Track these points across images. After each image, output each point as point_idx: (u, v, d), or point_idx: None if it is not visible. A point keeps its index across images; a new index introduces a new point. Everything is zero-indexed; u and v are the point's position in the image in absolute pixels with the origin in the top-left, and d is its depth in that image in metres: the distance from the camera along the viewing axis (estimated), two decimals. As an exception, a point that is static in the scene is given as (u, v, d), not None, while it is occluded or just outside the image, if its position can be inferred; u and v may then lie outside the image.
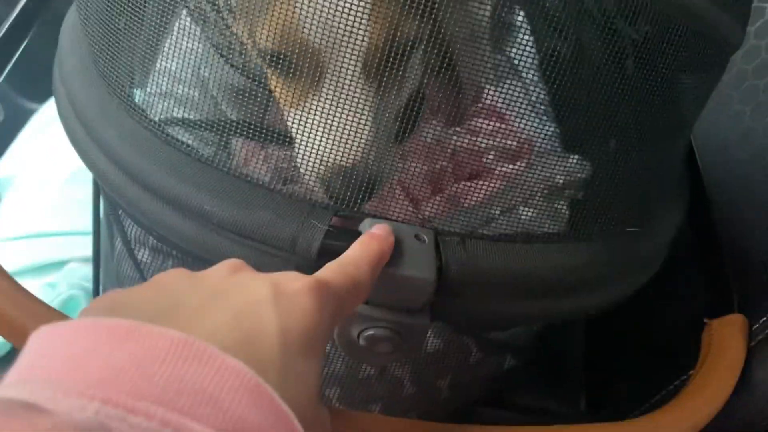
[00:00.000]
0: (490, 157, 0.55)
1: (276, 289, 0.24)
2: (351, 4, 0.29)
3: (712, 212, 0.44)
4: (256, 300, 0.24)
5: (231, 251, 0.33)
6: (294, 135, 0.35)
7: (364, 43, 0.31)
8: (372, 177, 0.34)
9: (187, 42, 0.46)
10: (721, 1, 0.33)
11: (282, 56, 0.33)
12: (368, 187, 0.34)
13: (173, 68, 0.46)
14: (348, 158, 0.33)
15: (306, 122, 0.33)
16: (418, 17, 0.31)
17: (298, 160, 0.36)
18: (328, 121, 0.32)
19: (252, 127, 0.40)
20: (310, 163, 0.34)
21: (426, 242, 0.33)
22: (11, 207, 0.71)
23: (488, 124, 0.55)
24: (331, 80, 0.32)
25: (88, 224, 0.54)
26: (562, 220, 0.43)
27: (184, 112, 0.49)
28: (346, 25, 0.30)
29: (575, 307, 0.36)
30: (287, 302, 0.24)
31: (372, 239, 0.30)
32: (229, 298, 0.24)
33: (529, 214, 0.42)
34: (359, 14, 0.30)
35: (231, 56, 0.45)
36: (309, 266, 0.33)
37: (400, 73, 0.33)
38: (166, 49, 0.46)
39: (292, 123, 0.35)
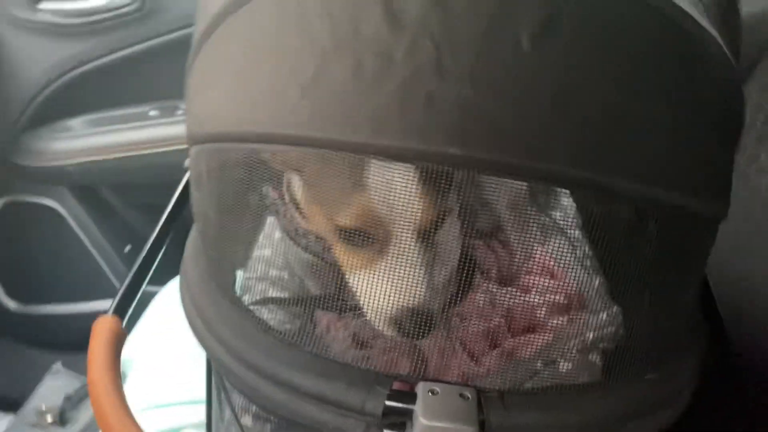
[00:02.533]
0: (543, 311, 0.62)
1: None
2: (406, 194, 0.41)
3: (732, 343, 0.48)
4: None
5: (316, 415, 0.42)
6: (360, 292, 0.46)
7: (418, 219, 0.43)
8: (429, 314, 0.45)
9: (276, 233, 0.58)
10: (689, 190, 0.41)
11: (358, 231, 0.46)
12: (427, 322, 0.45)
13: (267, 255, 0.58)
14: (412, 302, 0.44)
15: (374, 280, 0.45)
16: (453, 195, 0.43)
17: (367, 311, 0.47)
18: (394, 277, 0.44)
19: (329, 299, 0.51)
20: (380, 311, 0.46)
21: (470, 399, 0.40)
22: (135, 384, 0.83)
23: (541, 281, 0.63)
24: (395, 247, 0.44)
25: (201, 394, 0.64)
26: (597, 371, 0.49)
27: (276, 291, 0.60)
28: (405, 207, 0.42)
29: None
30: None
31: None
32: None
33: (567, 366, 0.49)
34: (413, 200, 0.42)
35: (298, 239, 0.57)
36: (377, 424, 0.41)
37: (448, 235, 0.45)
38: (260, 240, 0.58)
39: (358, 283, 0.47)
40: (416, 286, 0.44)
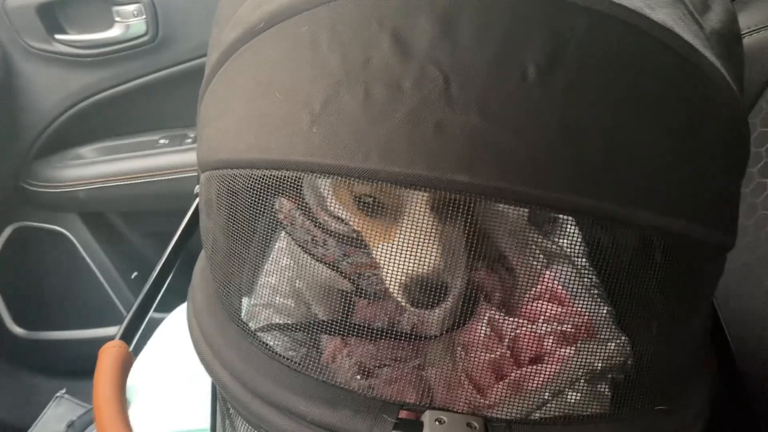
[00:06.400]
0: (550, 341, 0.61)
1: None
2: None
3: (742, 375, 0.48)
4: None
5: (321, 443, 0.41)
6: (381, 261, 0.47)
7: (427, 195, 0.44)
8: (441, 284, 0.46)
9: (285, 260, 0.58)
10: (699, 219, 0.41)
11: (373, 198, 0.47)
12: (439, 292, 0.46)
13: (273, 282, 0.58)
14: (422, 269, 0.45)
15: (391, 249, 0.45)
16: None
17: (385, 279, 0.48)
18: (408, 246, 0.45)
19: (337, 323, 0.51)
20: (395, 279, 0.46)
21: (477, 429, 0.40)
22: (140, 410, 0.82)
23: (548, 308, 0.62)
24: (408, 216, 0.45)
25: (206, 421, 0.64)
26: (606, 402, 0.49)
27: (281, 318, 0.60)
28: None
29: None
30: None
31: None
32: None
33: (576, 397, 0.49)
34: None
35: (314, 249, 0.57)
36: (383, 453, 0.40)
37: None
38: (266, 267, 0.58)
39: (380, 253, 0.47)
40: (425, 256, 0.45)
